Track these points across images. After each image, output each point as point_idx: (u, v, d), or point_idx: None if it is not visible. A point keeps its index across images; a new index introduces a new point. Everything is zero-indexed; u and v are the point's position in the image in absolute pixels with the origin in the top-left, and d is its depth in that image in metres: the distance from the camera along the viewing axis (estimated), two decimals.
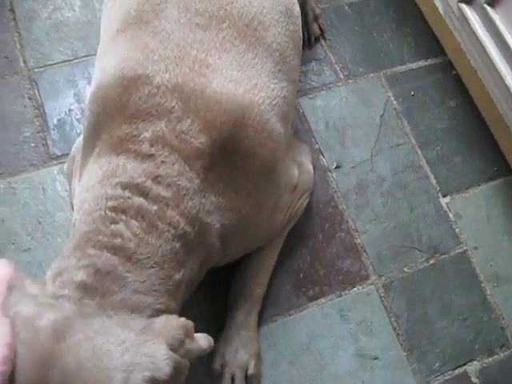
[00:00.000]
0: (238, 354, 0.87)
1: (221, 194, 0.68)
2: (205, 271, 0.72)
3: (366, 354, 0.94)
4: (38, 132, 1.03)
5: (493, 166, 1.12)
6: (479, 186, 1.10)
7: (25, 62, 1.10)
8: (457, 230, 1.05)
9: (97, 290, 0.56)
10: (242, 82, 0.71)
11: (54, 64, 1.10)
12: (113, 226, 0.60)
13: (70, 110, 1.05)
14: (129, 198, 0.62)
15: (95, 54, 0.85)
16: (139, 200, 0.62)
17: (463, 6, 1.10)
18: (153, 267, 0.60)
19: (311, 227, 1.01)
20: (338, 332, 0.94)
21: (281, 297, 0.95)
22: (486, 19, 1.05)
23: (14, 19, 1.14)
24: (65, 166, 0.95)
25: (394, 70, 1.19)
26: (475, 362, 0.96)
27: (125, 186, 0.62)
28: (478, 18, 1.08)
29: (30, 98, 1.06)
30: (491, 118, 1.14)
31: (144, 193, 0.62)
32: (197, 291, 0.72)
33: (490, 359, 0.97)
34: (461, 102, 1.17)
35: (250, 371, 0.86)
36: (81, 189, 0.66)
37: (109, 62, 0.71)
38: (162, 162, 0.64)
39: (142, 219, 0.61)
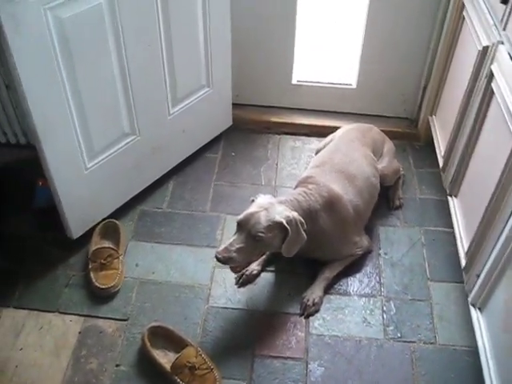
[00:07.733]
0: (313, 294, 2.18)
1: (324, 213, 2.15)
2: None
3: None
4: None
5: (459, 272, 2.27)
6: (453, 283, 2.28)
7: (275, 182, 2.73)
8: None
9: (291, 201, 2.09)
10: (343, 191, 2.21)
11: (282, 187, 2.71)
12: (299, 197, 2.12)
13: None
14: (307, 194, 2.15)
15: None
16: (302, 197, 2.14)
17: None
18: (302, 209, 2.09)
19: (365, 268, 2.32)
20: (356, 304, 2.18)
21: (337, 284, 2.26)
22: None
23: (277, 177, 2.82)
24: None
25: (434, 229, 2.50)
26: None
27: (309, 192, 2.16)
28: None
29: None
30: None
31: (308, 195, 2.14)
32: (304, 269, 2.20)
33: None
34: None
35: (316, 301, 2.16)
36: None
37: (309, 171, 2.32)
38: (313, 195, 2.15)
39: (304, 197, 2.12)
